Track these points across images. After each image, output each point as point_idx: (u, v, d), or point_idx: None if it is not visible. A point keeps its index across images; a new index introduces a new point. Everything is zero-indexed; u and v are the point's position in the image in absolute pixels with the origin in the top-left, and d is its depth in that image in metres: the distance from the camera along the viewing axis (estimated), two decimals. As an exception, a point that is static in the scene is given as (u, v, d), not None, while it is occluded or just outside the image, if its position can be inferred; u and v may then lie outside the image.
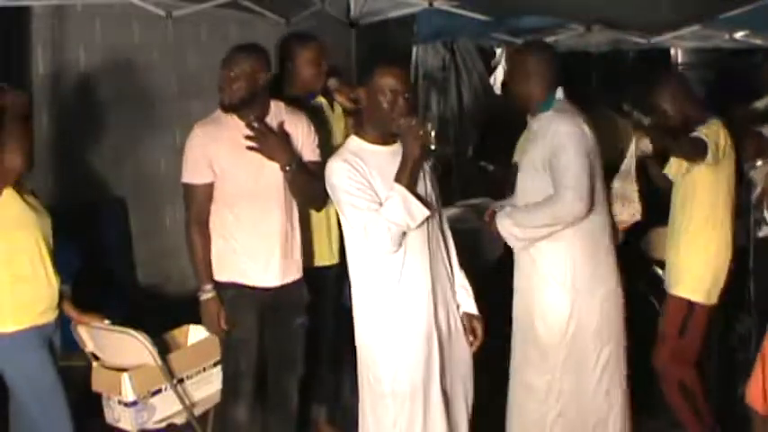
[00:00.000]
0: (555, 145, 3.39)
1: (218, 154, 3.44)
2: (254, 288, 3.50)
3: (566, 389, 3.52)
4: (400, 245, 3.04)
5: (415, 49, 6.99)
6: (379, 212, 2.97)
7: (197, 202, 3.47)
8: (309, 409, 4.09)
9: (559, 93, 3.51)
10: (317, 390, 4.03)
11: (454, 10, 5.52)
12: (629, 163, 3.94)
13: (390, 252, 3.04)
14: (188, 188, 3.49)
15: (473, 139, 7.31)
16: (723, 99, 5.28)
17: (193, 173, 3.46)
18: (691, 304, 3.90)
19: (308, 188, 3.51)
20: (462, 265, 3.36)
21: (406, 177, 3.00)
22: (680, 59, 8.10)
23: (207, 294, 3.47)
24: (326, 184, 3.11)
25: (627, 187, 3.91)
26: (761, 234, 4.25)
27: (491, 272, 4.54)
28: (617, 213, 3.85)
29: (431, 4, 5.25)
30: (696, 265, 3.90)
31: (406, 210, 2.98)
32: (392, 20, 5.75)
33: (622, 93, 6.20)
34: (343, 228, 3.18)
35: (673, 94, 3.96)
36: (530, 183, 3.52)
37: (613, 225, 3.73)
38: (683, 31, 5.93)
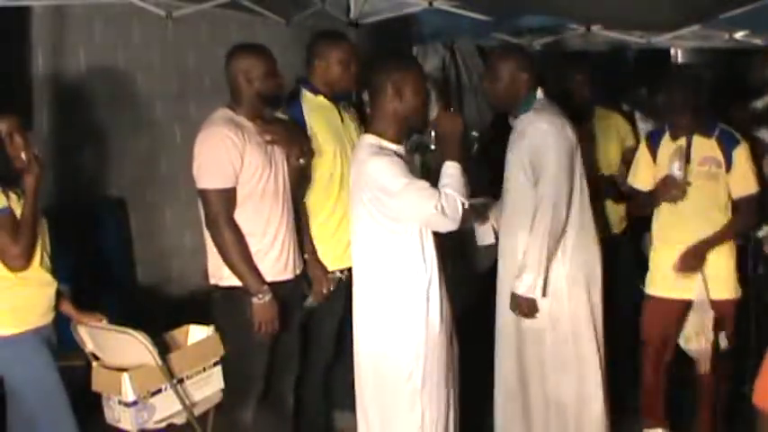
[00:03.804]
0: (536, 144, 3.48)
1: (249, 155, 3.40)
2: (272, 284, 3.48)
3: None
4: None
5: (415, 49, 6.98)
6: (446, 192, 3.09)
7: (229, 206, 3.40)
8: (331, 416, 4.10)
9: (539, 93, 3.60)
10: (338, 396, 4.02)
11: (454, 10, 5.51)
12: (704, 300, 3.83)
13: (456, 227, 3.16)
14: (218, 193, 3.38)
15: (473, 139, 7.31)
16: (723, 99, 5.28)
17: (223, 177, 3.38)
18: (736, 302, 3.91)
19: (304, 179, 3.67)
20: (462, 265, 3.45)
21: (458, 154, 3.16)
22: (680, 59, 8.09)
23: (266, 296, 3.42)
24: (370, 183, 3.14)
25: (702, 319, 3.82)
26: (760, 234, 4.24)
27: (487, 273, 4.56)
28: (691, 343, 3.84)
29: (431, 4, 5.25)
30: (730, 265, 3.90)
31: (465, 186, 3.15)
32: (392, 20, 5.74)
33: (622, 93, 6.20)
34: (368, 227, 3.20)
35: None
36: (513, 182, 3.62)
37: (598, 218, 3.81)
38: (683, 31, 5.92)
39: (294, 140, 3.55)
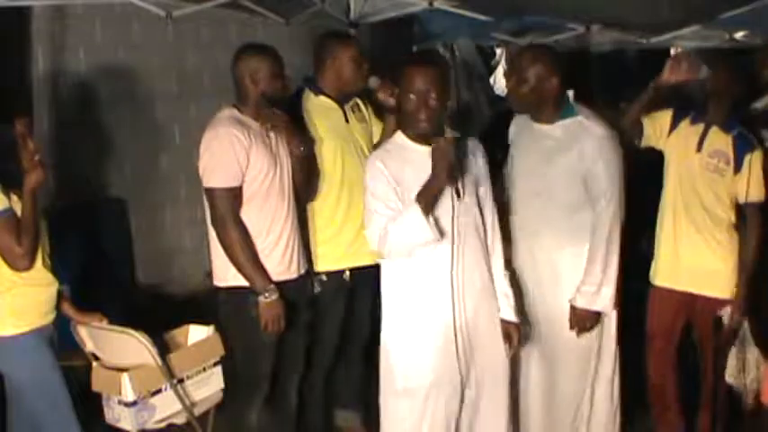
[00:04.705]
0: (592, 153, 3.34)
1: (254, 155, 3.38)
2: (277, 283, 3.46)
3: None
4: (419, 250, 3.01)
5: (415, 50, 7.00)
6: (388, 228, 2.95)
7: (235, 205, 3.39)
8: (331, 414, 4.09)
9: (571, 97, 3.48)
10: (340, 393, 4.02)
11: (454, 10, 5.51)
12: (745, 337, 3.79)
13: (390, 258, 3.05)
14: (225, 192, 3.36)
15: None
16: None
17: (230, 176, 3.36)
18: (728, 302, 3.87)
19: (313, 175, 3.65)
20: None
21: (425, 198, 2.94)
22: (680, 59, 8.11)
23: (273, 295, 3.40)
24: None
25: (743, 355, 3.79)
26: None
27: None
28: (734, 379, 3.81)
29: (431, 4, 5.25)
30: (729, 264, 3.85)
31: (414, 231, 2.95)
32: (392, 20, 5.75)
33: (622, 93, 6.20)
34: None
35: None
36: (562, 191, 3.43)
37: None
38: (683, 31, 5.94)
39: (294, 129, 3.54)
